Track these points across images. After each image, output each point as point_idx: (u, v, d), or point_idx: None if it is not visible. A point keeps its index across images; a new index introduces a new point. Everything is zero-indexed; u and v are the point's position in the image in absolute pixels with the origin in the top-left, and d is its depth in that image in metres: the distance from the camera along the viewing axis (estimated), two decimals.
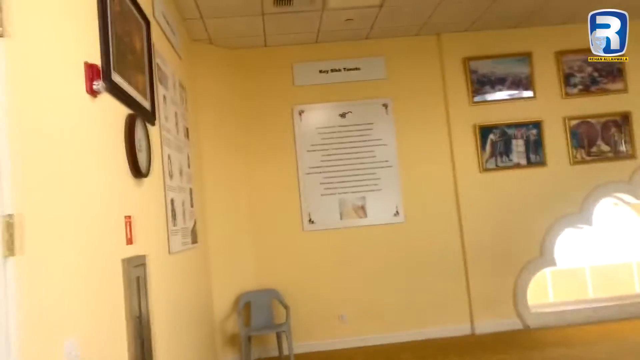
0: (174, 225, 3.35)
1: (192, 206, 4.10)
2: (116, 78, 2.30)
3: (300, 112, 5.40)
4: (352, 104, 5.45)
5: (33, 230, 1.43)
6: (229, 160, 5.21)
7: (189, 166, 4.11)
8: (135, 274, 2.30)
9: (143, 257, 2.47)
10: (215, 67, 5.21)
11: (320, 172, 5.37)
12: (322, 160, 5.37)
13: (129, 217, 2.38)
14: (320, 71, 5.43)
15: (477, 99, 5.45)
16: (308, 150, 5.37)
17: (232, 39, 5.09)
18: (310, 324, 5.17)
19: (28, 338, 1.37)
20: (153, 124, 3.03)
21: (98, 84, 2.00)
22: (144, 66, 2.91)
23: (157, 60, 3.29)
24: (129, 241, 2.35)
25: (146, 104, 2.88)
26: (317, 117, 5.42)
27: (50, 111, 1.66)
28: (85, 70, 1.96)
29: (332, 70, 5.45)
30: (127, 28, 2.60)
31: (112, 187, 2.21)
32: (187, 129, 4.20)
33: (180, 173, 3.75)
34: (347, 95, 5.44)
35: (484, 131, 5.41)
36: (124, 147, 2.42)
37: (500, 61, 5.50)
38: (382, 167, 5.42)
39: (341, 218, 5.35)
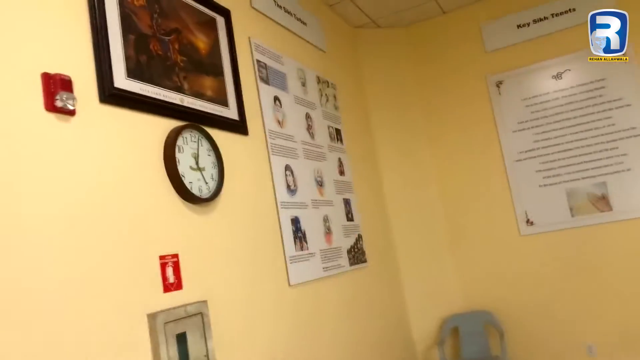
0: (301, 249, 2.76)
1: (351, 220, 3.46)
2: (131, 86, 1.85)
3: (498, 84, 4.22)
4: (569, 58, 4.01)
5: None
6: (413, 157, 4.38)
7: (341, 174, 3.48)
8: (176, 330, 1.79)
9: (201, 304, 1.94)
10: (387, 51, 4.46)
11: (536, 157, 4.08)
12: (535, 141, 4.08)
13: (173, 255, 1.88)
14: (519, 26, 4.16)
15: None
16: (514, 131, 4.14)
17: (398, 15, 4.28)
18: (541, 356, 3.93)
19: None
20: (244, 133, 2.52)
21: (64, 98, 1.57)
22: (220, 67, 2.43)
23: (257, 57, 2.78)
24: (172, 287, 1.86)
25: (225, 111, 2.39)
26: (522, 85, 4.15)
27: None
28: (43, 84, 1.55)
29: (535, 21, 4.11)
30: (168, 25, 2.15)
31: (132, 222, 1.75)
32: (336, 131, 3.58)
33: (320, 184, 3.15)
34: (560, 49, 4.03)
35: None
36: (164, 169, 1.95)
37: None
38: (628, 137, 3.83)
39: (573, 215, 3.95)
